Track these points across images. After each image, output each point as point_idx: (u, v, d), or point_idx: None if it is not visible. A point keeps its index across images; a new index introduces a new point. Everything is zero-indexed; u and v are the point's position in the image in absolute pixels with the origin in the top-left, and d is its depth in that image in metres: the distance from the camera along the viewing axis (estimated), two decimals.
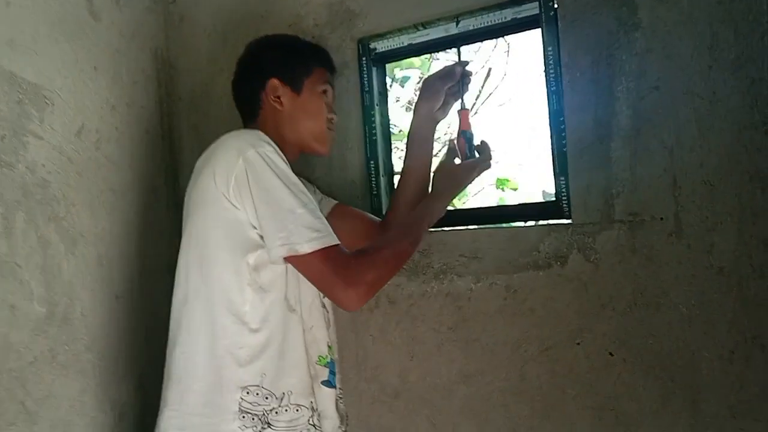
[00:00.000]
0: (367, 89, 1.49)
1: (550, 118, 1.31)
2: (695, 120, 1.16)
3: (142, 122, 1.59)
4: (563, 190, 1.29)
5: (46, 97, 1.31)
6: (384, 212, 1.46)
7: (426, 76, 1.37)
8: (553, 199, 1.33)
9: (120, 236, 1.48)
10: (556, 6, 1.28)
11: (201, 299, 1.09)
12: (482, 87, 3.23)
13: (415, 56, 1.89)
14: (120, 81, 1.52)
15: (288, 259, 1.05)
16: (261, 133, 1.09)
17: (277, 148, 1.07)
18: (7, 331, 1.18)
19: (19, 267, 1.22)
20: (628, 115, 1.21)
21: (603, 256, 1.24)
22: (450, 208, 1.28)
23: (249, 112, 1.27)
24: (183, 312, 1.11)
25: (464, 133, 1.29)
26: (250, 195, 1.03)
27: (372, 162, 1.50)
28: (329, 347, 1.21)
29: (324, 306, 1.22)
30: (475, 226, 1.42)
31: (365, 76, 1.49)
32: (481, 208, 1.46)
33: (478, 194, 3.65)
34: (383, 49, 1.49)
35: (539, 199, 2.19)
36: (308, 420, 1.13)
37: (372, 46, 1.50)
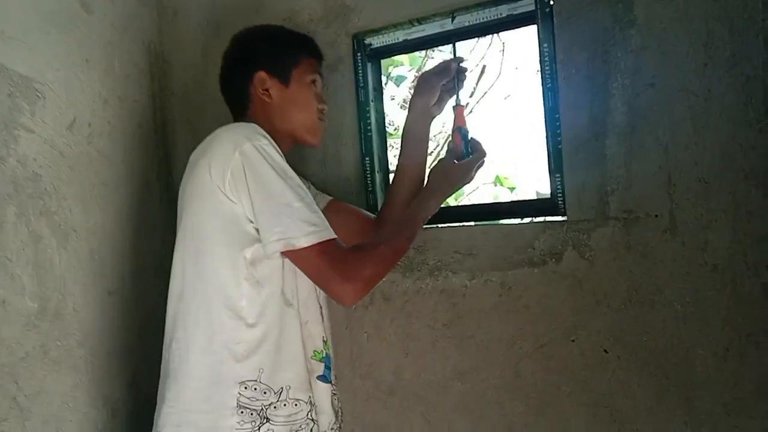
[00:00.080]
0: (362, 85, 1.49)
1: (545, 115, 1.30)
2: (690, 117, 1.16)
3: (134, 116, 1.58)
4: (558, 187, 1.29)
5: (37, 90, 1.29)
6: (379, 209, 1.46)
7: (421, 72, 1.37)
8: (548, 196, 1.32)
9: (113, 231, 1.47)
10: (551, 2, 1.28)
11: (197, 295, 1.08)
12: (477, 84, 3.23)
13: (411, 52, 1.88)
14: (112, 74, 1.51)
15: (285, 254, 1.04)
16: (257, 127, 1.09)
17: (273, 142, 1.07)
18: None
19: (10, 261, 1.20)
20: (623, 112, 1.21)
21: (598, 253, 1.24)
22: (443, 205, 1.27)
23: (238, 107, 1.26)
24: (179, 308, 1.11)
25: (459, 129, 1.29)
26: (246, 189, 1.03)
27: (367, 158, 1.49)
28: (324, 342, 1.21)
29: (318, 300, 1.22)
30: (471, 223, 1.41)
31: (360, 71, 1.49)
32: (476, 204, 1.46)
33: (473, 193, 3.66)
34: (378, 45, 1.49)
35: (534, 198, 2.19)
36: (307, 414, 1.13)
37: (367, 41, 1.49)
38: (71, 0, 1.40)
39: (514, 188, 3.76)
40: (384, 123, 1.54)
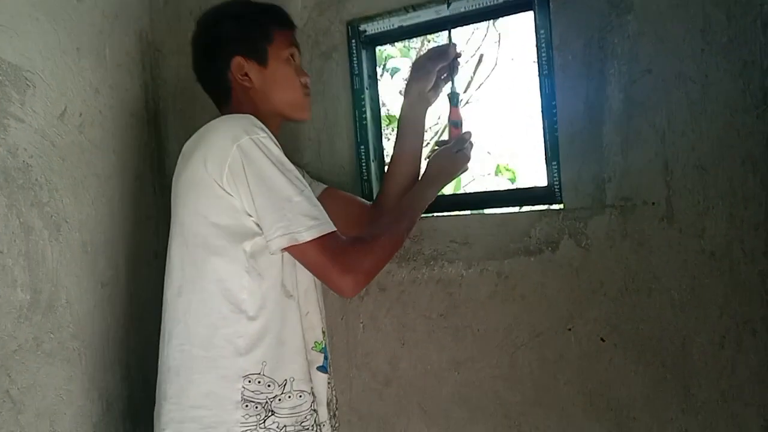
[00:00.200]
0: (356, 72, 1.47)
1: (541, 102, 1.29)
2: (687, 104, 1.15)
3: (126, 105, 1.56)
4: (555, 175, 1.28)
5: (27, 78, 1.28)
6: (375, 197, 1.45)
7: (417, 57, 1.35)
8: (545, 184, 1.32)
9: (105, 222, 1.46)
10: None
11: (197, 289, 1.07)
12: (474, 73, 3.22)
13: (406, 39, 1.87)
14: (104, 63, 1.49)
15: (287, 248, 1.03)
16: (253, 118, 1.06)
17: (270, 133, 1.05)
18: None
19: (1, 253, 1.19)
20: (619, 99, 1.20)
21: (594, 241, 1.24)
22: (438, 194, 1.27)
23: (220, 95, 1.22)
24: (178, 303, 1.09)
25: (454, 123, 1.28)
26: (246, 184, 1.01)
27: (362, 147, 1.48)
28: (323, 332, 1.21)
29: (317, 291, 1.21)
30: (467, 212, 1.41)
31: (355, 59, 1.47)
32: (472, 193, 1.46)
33: (470, 184, 3.66)
34: (373, 32, 1.47)
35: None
36: (310, 405, 1.12)
37: (362, 28, 1.47)
38: None
39: (514, 179, 3.76)
40: (379, 111, 1.52)
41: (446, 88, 1.34)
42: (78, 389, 1.34)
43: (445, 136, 1.38)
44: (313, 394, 1.14)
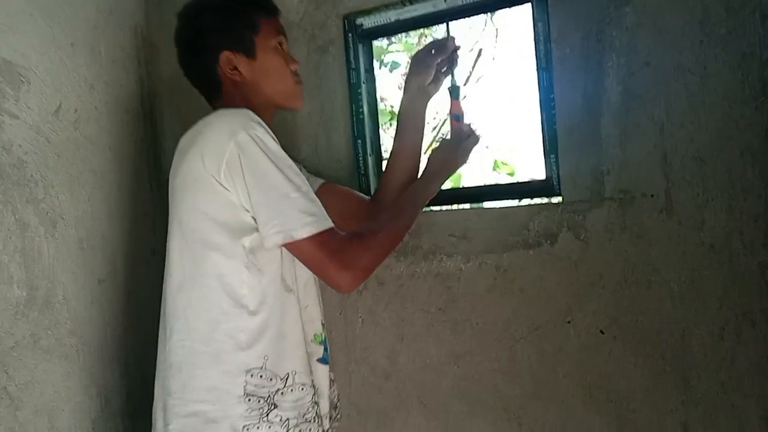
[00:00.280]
0: (353, 66, 1.46)
1: (539, 95, 1.29)
2: (686, 96, 1.15)
3: (121, 101, 1.55)
4: (553, 168, 1.28)
5: (21, 74, 1.26)
6: (372, 192, 1.44)
7: (416, 51, 1.34)
8: (543, 177, 1.31)
9: (101, 218, 1.45)
10: None
11: (197, 285, 1.06)
12: (473, 68, 3.21)
13: (403, 32, 1.86)
14: (99, 59, 1.48)
15: (283, 245, 1.03)
16: (250, 113, 1.05)
17: (267, 127, 1.04)
18: None
19: None
20: (618, 91, 1.20)
21: (593, 234, 1.24)
22: None
23: (211, 91, 1.20)
24: (178, 299, 1.09)
25: (456, 116, 1.27)
26: (243, 180, 1.00)
27: (359, 141, 1.47)
28: (323, 324, 1.21)
29: (316, 284, 1.22)
30: (465, 206, 1.40)
31: (351, 53, 1.46)
32: (470, 187, 1.45)
33: (470, 178, 3.65)
34: (370, 26, 1.46)
35: None
36: (312, 398, 1.13)
37: (358, 22, 1.46)
38: None
39: (513, 173, 3.75)
40: (376, 105, 1.52)
41: (446, 82, 1.33)
42: (76, 386, 1.34)
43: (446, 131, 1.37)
44: (314, 386, 1.14)
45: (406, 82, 1.31)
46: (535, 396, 1.31)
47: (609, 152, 1.21)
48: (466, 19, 1.43)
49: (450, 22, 1.39)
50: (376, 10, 1.44)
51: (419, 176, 1.27)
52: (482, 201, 1.41)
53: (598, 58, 1.21)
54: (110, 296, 1.46)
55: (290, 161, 1.04)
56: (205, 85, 1.21)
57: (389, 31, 1.51)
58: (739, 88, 1.11)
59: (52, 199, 1.32)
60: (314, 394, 1.14)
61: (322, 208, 1.03)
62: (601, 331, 1.23)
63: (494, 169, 3.62)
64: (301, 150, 1.53)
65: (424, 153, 1.36)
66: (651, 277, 1.19)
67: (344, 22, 1.46)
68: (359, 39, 1.47)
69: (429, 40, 2.98)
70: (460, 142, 1.26)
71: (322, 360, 1.19)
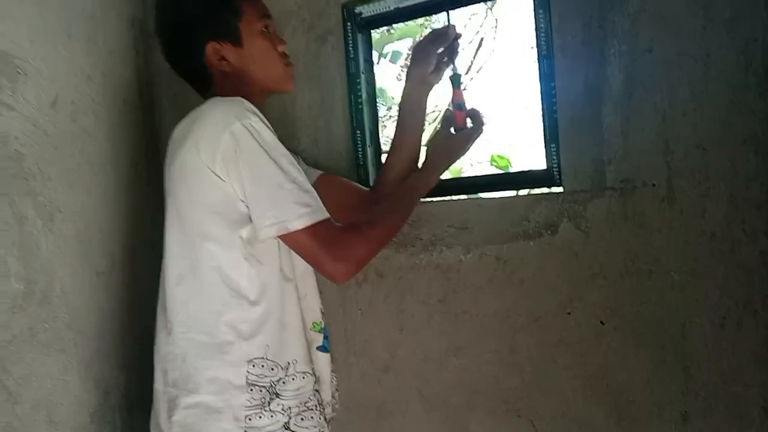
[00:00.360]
0: (352, 56, 1.45)
1: (540, 83, 1.28)
2: (688, 83, 1.13)
3: (119, 93, 1.54)
4: (554, 157, 1.26)
5: (17, 66, 1.25)
6: (371, 183, 1.43)
7: (416, 41, 1.33)
8: (544, 167, 1.30)
9: (100, 211, 1.44)
10: None
11: (197, 277, 1.06)
12: (474, 57, 3.19)
13: (403, 21, 1.84)
14: (96, 49, 1.46)
15: (278, 236, 1.02)
16: (244, 101, 1.04)
17: (262, 116, 1.03)
18: None
19: None
20: (620, 79, 1.18)
21: (594, 224, 1.22)
22: None
23: (200, 82, 1.19)
24: (178, 292, 1.08)
25: (459, 105, 1.26)
26: (238, 171, 1.00)
27: (358, 132, 1.46)
28: (322, 312, 1.22)
29: (314, 273, 1.21)
30: (465, 197, 1.39)
31: (350, 42, 1.45)
32: (470, 177, 1.44)
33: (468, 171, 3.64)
34: (369, 14, 1.44)
35: None
36: (313, 386, 1.13)
37: (357, 10, 1.45)
38: None
39: (507, 167, 3.74)
40: (375, 95, 1.51)
41: (448, 71, 1.31)
42: (74, 379, 1.33)
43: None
44: (314, 374, 1.14)
45: (407, 73, 1.30)
46: (535, 387, 1.30)
47: (610, 141, 1.20)
48: (467, 7, 1.42)
49: (450, 11, 1.38)
50: None
51: (419, 167, 1.26)
52: (482, 192, 1.40)
53: (600, 46, 1.20)
54: (109, 289, 1.45)
55: (285, 150, 1.03)
56: (194, 77, 1.20)
57: (389, 19, 1.50)
58: (742, 75, 1.09)
59: (50, 191, 1.31)
60: (315, 382, 1.14)
61: (318, 199, 1.03)
62: (602, 322, 1.23)
63: (491, 164, 3.60)
64: (301, 141, 1.52)
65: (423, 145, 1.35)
66: (652, 267, 1.18)
67: (343, 11, 1.45)
68: (358, 28, 1.46)
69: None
70: (458, 130, 1.24)
71: (322, 348, 1.19)
